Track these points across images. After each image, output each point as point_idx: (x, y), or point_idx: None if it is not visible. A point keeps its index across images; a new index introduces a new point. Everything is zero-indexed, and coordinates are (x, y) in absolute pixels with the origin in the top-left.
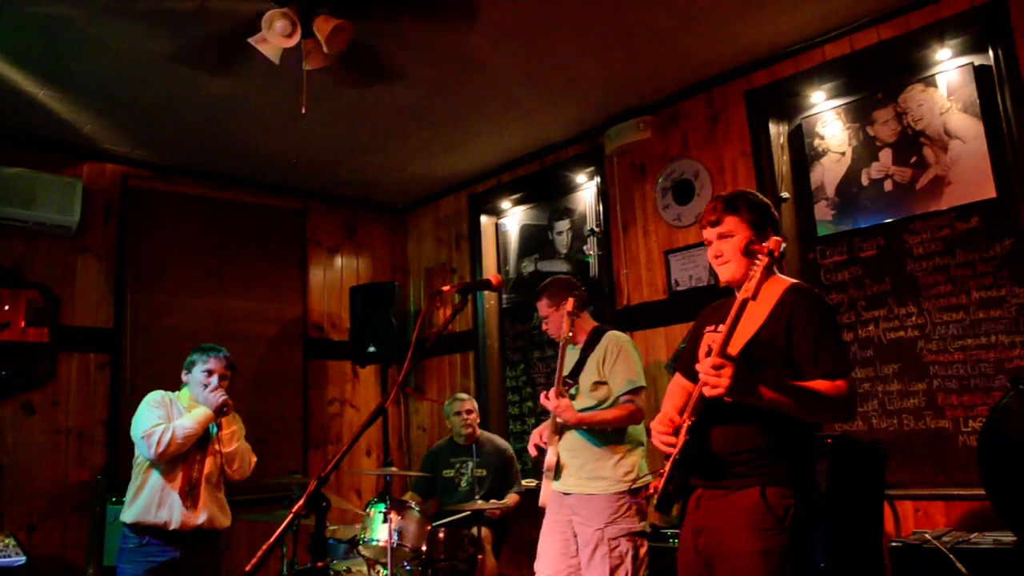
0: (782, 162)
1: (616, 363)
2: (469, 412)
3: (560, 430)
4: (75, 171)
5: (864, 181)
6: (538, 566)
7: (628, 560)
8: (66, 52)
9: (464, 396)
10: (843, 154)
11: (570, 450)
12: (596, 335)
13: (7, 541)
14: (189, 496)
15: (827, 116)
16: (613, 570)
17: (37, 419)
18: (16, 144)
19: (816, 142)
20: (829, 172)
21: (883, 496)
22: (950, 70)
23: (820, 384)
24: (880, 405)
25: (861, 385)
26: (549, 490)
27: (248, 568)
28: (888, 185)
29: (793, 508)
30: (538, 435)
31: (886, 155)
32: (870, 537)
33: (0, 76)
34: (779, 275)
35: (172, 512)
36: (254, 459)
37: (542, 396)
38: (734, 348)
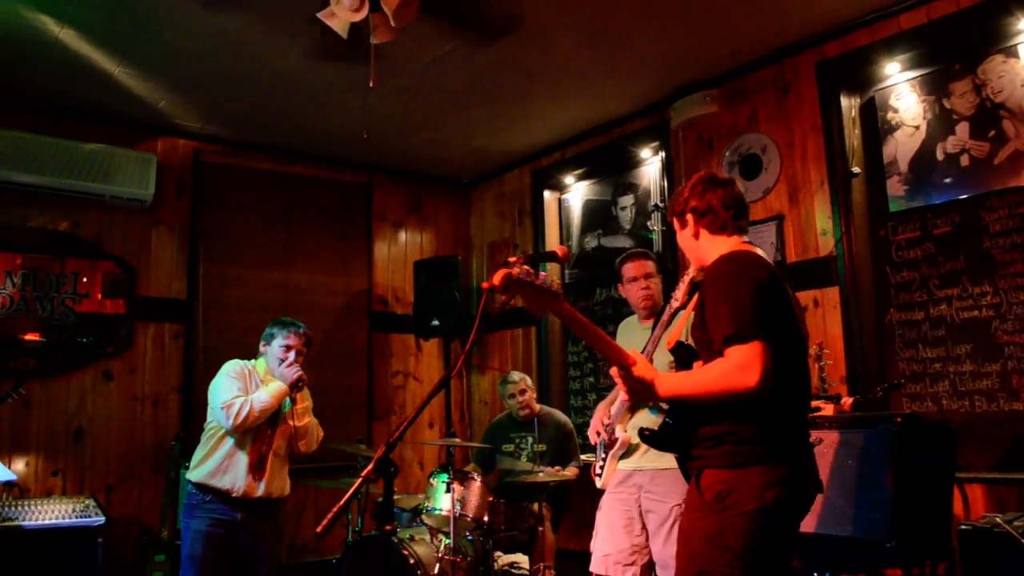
0: (853, 136)
1: None
2: (523, 393)
3: (633, 409)
4: (149, 146)
5: (939, 156)
6: (597, 545)
7: None
8: (140, 31)
9: (515, 378)
10: (917, 128)
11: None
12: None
13: (87, 502)
14: (258, 468)
15: (901, 88)
16: None
17: (115, 386)
18: (94, 121)
19: (889, 115)
20: (902, 146)
21: (953, 478)
22: None
23: (710, 365)
24: (951, 386)
25: (932, 365)
26: (614, 471)
27: (319, 529)
28: (964, 160)
29: (726, 493)
30: (601, 418)
31: (963, 129)
32: (939, 519)
33: (80, 55)
34: (747, 243)
35: (236, 481)
36: (321, 433)
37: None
38: (676, 338)
